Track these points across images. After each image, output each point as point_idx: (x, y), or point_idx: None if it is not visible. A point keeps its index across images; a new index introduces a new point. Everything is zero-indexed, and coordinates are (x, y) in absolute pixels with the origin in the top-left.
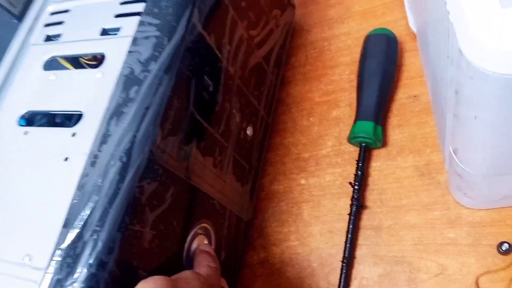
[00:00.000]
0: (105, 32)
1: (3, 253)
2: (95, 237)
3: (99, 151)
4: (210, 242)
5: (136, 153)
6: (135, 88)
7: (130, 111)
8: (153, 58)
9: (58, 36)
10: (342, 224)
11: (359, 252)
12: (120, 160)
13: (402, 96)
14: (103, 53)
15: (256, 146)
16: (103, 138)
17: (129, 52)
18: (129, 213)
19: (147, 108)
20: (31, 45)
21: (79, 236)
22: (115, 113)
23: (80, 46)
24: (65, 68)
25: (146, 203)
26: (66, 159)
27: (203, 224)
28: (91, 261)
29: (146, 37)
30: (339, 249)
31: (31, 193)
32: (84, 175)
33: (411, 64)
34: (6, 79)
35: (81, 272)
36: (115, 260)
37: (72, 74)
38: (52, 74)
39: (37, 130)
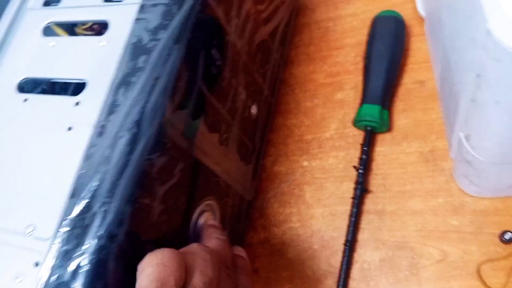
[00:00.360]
0: None
1: (5, 222)
2: (104, 208)
3: (107, 121)
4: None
5: (146, 124)
6: (143, 57)
7: (139, 81)
8: (162, 26)
9: (57, 1)
10: (344, 208)
11: (361, 236)
12: (130, 132)
13: (408, 81)
14: (106, 20)
15: (259, 126)
16: (111, 108)
17: (137, 19)
18: (139, 186)
19: (156, 79)
20: (28, 9)
21: (88, 207)
22: (123, 82)
23: (81, 13)
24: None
25: (156, 177)
26: (69, 128)
27: (209, 201)
28: (100, 233)
29: (154, 5)
30: (341, 232)
31: (33, 161)
32: (91, 145)
33: (418, 49)
34: (2, 44)
35: (90, 243)
36: (124, 233)
37: (74, 41)
38: (52, 41)
39: (38, 98)
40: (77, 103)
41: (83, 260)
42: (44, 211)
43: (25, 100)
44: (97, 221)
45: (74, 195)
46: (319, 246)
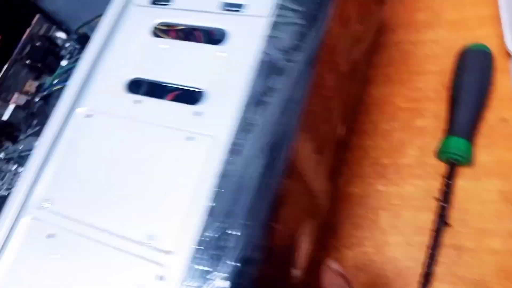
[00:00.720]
0: (225, 6)
1: (125, 231)
2: (242, 231)
3: (244, 139)
4: (311, 242)
5: (281, 147)
6: (277, 77)
7: (273, 102)
8: (296, 47)
9: (166, 0)
10: (422, 238)
11: (438, 269)
12: (267, 153)
13: (491, 117)
14: (225, 30)
15: (340, 145)
16: (246, 126)
17: (269, 36)
18: (273, 210)
19: (290, 101)
20: (136, 5)
21: (225, 228)
22: (256, 101)
23: (195, 17)
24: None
25: (283, 201)
26: (189, 138)
27: (310, 224)
28: (239, 256)
29: (288, 23)
30: (417, 263)
31: (152, 168)
32: (228, 163)
33: (501, 85)
34: (108, 40)
35: (229, 266)
36: (259, 258)
37: (188, 46)
38: (163, 42)
39: (151, 101)
40: (196, 113)
41: (221, 282)
42: (167, 223)
43: (137, 101)
44: (235, 243)
45: (212, 213)
46: (393, 275)
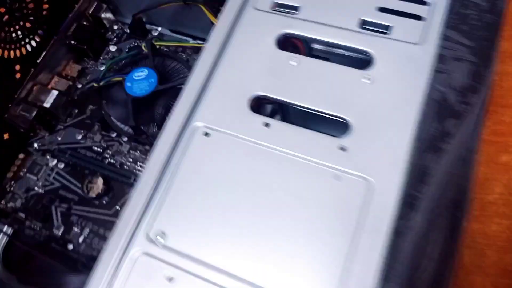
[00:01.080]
0: (366, 24)
1: (267, 283)
2: None
3: (418, 191)
4: None
5: (463, 205)
6: (452, 121)
7: (450, 150)
8: (471, 88)
9: (293, 8)
10: (508, 281)
11: None
12: (451, 211)
13: None
14: (370, 52)
15: None
16: (420, 175)
17: (437, 71)
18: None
19: (469, 151)
20: (255, 9)
21: None
22: (431, 146)
23: (329, 32)
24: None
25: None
26: (335, 176)
27: None
28: None
29: (457, 59)
30: None
31: (289, 206)
32: (401, 217)
33: None
34: (225, 46)
35: None
36: None
37: (323, 66)
38: (293, 58)
39: (284, 126)
40: (342, 148)
41: None
42: (320, 280)
43: (266, 124)
44: None
45: (387, 278)
46: None
